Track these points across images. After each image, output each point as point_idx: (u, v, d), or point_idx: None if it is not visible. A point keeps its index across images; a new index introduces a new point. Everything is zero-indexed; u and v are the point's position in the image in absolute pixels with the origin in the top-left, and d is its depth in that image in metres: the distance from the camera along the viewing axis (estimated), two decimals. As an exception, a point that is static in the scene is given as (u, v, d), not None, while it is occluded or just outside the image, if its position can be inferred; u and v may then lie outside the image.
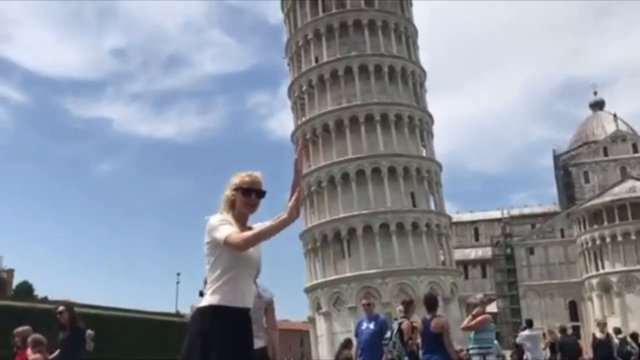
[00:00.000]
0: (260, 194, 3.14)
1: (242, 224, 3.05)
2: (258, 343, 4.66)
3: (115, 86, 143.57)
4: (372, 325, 8.74)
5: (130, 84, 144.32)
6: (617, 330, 14.56)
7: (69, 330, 6.65)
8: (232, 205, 3.10)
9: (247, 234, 2.93)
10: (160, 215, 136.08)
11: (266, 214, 3.25)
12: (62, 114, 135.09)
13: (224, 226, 2.95)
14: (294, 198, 2.87)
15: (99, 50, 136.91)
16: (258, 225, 3.03)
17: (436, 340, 6.84)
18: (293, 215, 2.85)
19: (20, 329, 7.17)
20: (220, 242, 2.92)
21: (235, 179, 3.15)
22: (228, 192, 3.13)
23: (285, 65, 52.94)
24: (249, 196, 3.09)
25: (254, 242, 2.93)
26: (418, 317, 7.92)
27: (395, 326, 8.56)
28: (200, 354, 2.87)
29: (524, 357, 13.31)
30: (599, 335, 11.88)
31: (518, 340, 13.79)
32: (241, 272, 3.00)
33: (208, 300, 2.96)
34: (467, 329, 7.50)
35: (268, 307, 5.04)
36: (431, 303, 7.23)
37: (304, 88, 48.58)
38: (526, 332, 12.91)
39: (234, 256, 2.96)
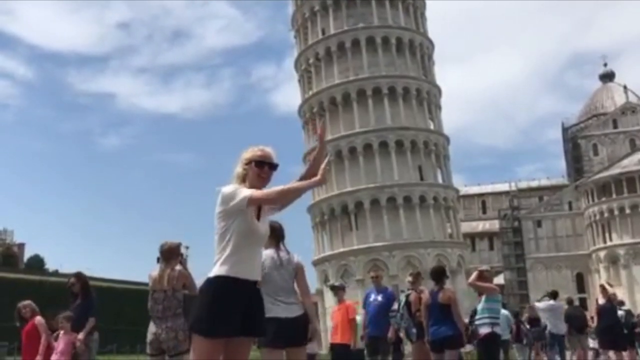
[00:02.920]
0: (273, 166, 3.18)
1: None
2: (295, 311, 4.59)
3: (121, 60, 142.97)
4: (379, 298, 8.83)
5: (135, 57, 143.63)
6: (621, 303, 14.49)
7: (82, 299, 6.76)
8: (243, 180, 3.12)
9: (277, 187, 2.97)
10: (167, 189, 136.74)
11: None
12: (67, 88, 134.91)
13: (241, 191, 2.98)
14: (324, 163, 2.96)
15: (103, 24, 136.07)
16: (274, 187, 3.03)
17: (443, 312, 6.89)
18: (325, 178, 2.92)
19: (26, 302, 7.40)
20: (239, 207, 2.94)
21: (247, 154, 3.18)
22: (239, 168, 3.15)
23: (292, 38, 52.57)
24: (261, 168, 3.12)
25: (284, 196, 2.96)
26: (426, 289, 7.98)
27: (402, 298, 8.64)
28: (209, 322, 2.91)
29: (547, 328, 13.22)
30: (600, 300, 11.86)
31: (538, 307, 13.57)
32: (250, 244, 3.03)
33: (216, 270, 2.99)
34: (473, 286, 7.55)
35: (298, 272, 4.81)
36: (439, 275, 7.26)
37: (310, 61, 48.23)
38: (550, 302, 12.78)
39: (245, 227, 2.99)
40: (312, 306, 4.99)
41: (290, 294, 4.68)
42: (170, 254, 5.54)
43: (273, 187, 3.02)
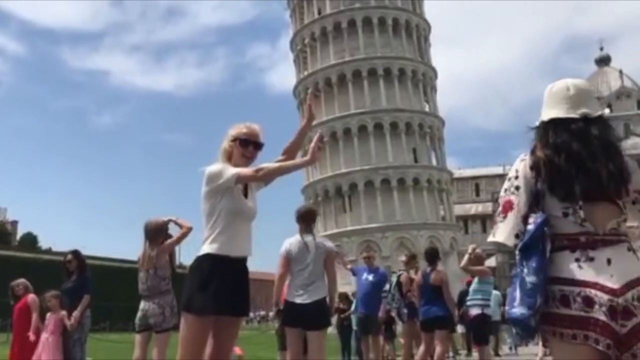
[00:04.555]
0: (258, 146, 3.12)
1: None
2: (316, 295, 4.70)
3: (114, 37, 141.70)
4: (371, 277, 8.88)
5: (129, 35, 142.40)
6: None
7: (77, 276, 6.77)
8: (229, 157, 3.08)
9: (265, 165, 2.95)
10: (161, 167, 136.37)
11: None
12: (60, 65, 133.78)
13: (228, 169, 2.96)
14: (314, 141, 2.87)
15: (97, 1, 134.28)
16: (263, 164, 3.01)
17: (435, 293, 6.94)
18: (315, 158, 2.88)
19: (20, 280, 7.48)
20: (227, 185, 2.92)
21: (233, 130, 3.12)
22: (225, 144, 3.11)
23: (287, 17, 52.12)
24: (246, 147, 3.08)
25: (272, 174, 2.95)
26: (419, 270, 8.04)
27: (394, 279, 8.70)
28: (198, 300, 2.90)
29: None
30: None
31: None
32: (239, 221, 3.01)
33: (205, 249, 2.98)
34: (466, 269, 7.59)
35: (328, 257, 4.88)
36: (432, 256, 7.31)
37: (306, 41, 47.90)
38: None
39: (233, 204, 2.97)
40: (336, 291, 5.13)
41: (314, 277, 4.76)
42: (156, 233, 5.50)
43: (262, 164, 2.98)
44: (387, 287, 8.78)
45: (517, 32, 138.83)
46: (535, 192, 1.91)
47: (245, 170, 2.95)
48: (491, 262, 56.52)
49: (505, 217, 1.93)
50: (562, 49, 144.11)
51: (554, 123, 1.96)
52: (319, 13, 47.46)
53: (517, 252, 1.86)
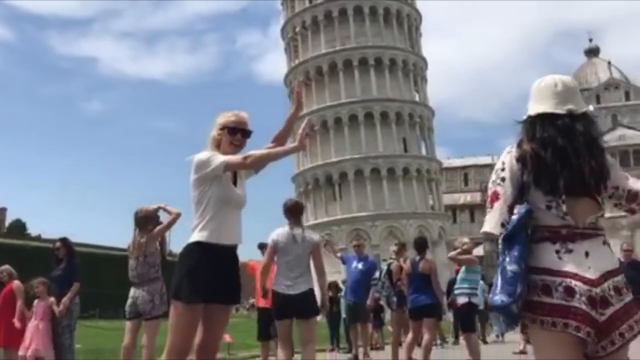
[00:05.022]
0: (246, 133, 3.13)
1: None
2: (303, 286, 4.83)
3: (103, 23, 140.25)
4: (360, 266, 8.96)
5: (119, 21, 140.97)
6: None
7: (66, 264, 6.77)
8: (217, 145, 3.08)
9: (253, 152, 2.95)
10: (151, 154, 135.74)
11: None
12: (48, 51, 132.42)
13: (217, 156, 2.96)
14: (302, 128, 2.88)
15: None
16: (251, 152, 3.01)
17: (424, 281, 7.01)
18: (303, 145, 2.89)
19: (4, 266, 7.49)
20: (216, 174, 2.92)
21: (221, 119, 3.13)
22: (214, 132, 3.11)
23: (279, 5, 51.82)
24: (234, 135, 3.08)
25: (261, 161, 2.97)
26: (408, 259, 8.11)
27: (384, 267, 8.77)
28: (188, 288, 2.91)
29: None
30: None
31: None
32: (228, 209, 3.01)
33: (195, 236, 2.98)
34: (453, 260, 7.68)
35: (314, 250, 5.00)
36: (421, 246, 7.37)
37: (297, 29, 47.70)
38: None
39: (221, 192, 2.98)
40: (325, 282, 5.26)
41: (300, 269, 4.88)
42: (145, 221, 5.51)
43: (250, 152, 2.98)
44: (377, 275, 8.86)
45: (508, 23, 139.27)
46: (521, 184, 1.96)
47: (234, 158, 2.95)
48: (479, 251, 56.90)
49: (491, 208, 1.99)
50: (553, 40, 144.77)
51: (541, 118, 2.01)
52: (310, 1, 47.26)
53: (500, 241, 1.92)
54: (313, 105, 45.77)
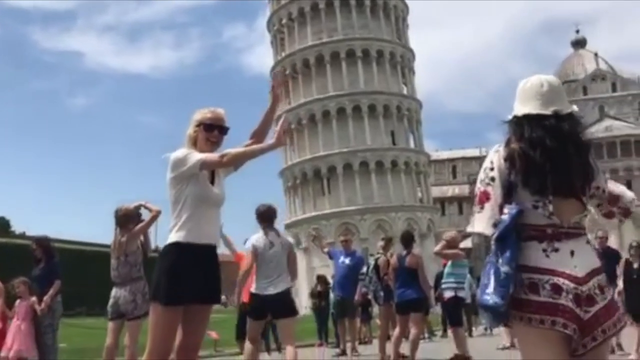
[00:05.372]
0: (223, 130, 3.07)
1: None
2: (282, 286, 5.11)
3: (87, 18, 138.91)
4: (347, 261, 8.92)
5: (102, 15, 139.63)
6: None
7: (44, 263, 6.68)
8: (194, 143, 3.02)
9: (230, 150, 2.89)
10: (137, 149, 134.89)
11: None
12: (31, 45, 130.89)
13: (193, 154, 2.89)
14: (280, 125, 2.82)
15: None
16: (228, 150, 2.96)
17: (410, 276, 6.99)
18: (281, 142, 2.83)
19: None
20: (192, 172, 2.86)
21: (197, 115, 3.06)
22: (190, 130, 3.04)
23: (265, -3, 51.52)
24: (211, 132, 3.01)
25: (238, 159, 2.91)
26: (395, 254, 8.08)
27: (371, 262, 8.74)
28: (167, 290, 2.87)
29: None
30: None
31: None
32: (205, 208, 2.95)
33: (173, 237, 2.93)
34: (439, 254, 7.66)
35: (290, 253, 5.28)
36: (407, 240, 7.36)
37: (283, 21, 47.49)
38: None
39: (199, 191, 2.92)
40: (295, 279, 5.46)
41: (279, 271, 5.16)
42: (126, 219, 5.42)
43: (227, 150, 2.93)
44: (364, 269, 8.84)
45: (495, 14, 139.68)
46: (509, 183, 1.98)
47: (211, 156, 2.89)
48: (467, 243, 57.25)
49: (482, 208, 2.00)
50: (539, 32, 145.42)
51: (528, 118, 2.02)
52: (297, -7, 47.03)
53: (492, 241, 1.93)
54: (300, 98, 45.69)
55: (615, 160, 58.42)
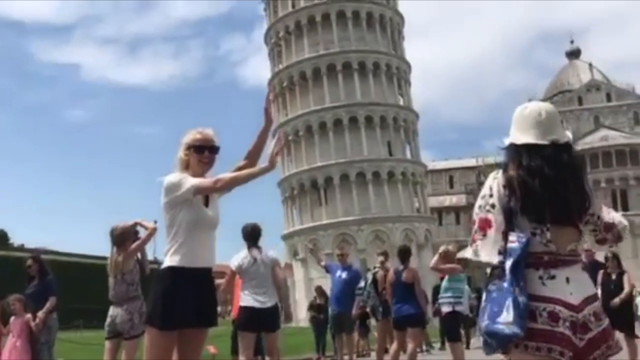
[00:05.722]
0: (214, 149, 3.08)
1: None
2: (270, 301, 5.42)
3: (85, 30, 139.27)
4: (344, 275, 8.93)
5: (101, 27, 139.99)
6: None
7: (38, 280, 6.67)
8: (187, 166, 3.03)
9: (223, 175, 2.91)
10: (135, 162, 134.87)
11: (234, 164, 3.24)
12: (29, 58, 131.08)
13: (187, 179, 2.91)
14: (275, 148, 2.85)
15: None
16: (221, 175, 2.99)
17: (407, 291, 7.01)
18: (274, 164, 2.86)
19: None
20: (186, 197, 2.87)
21: (186, 138, 3.08)
22: (181, 153, 3.06)
23: (262, 10, 51.78)
24: (202, 153, 3.03)
25: (231, 184, 2.92)
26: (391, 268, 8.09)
27: (369, 276, 8.75)
28: (162, 315, 2.88)
29: None
30: None
31: None
32: (200, 232, 2.97)
33: (168, 261, 2.94)
34: (435, 269, 7.66)
35: (274, 267, 5.58)
36: (404, 255, 7.39)
37: (280, 34, 47.68)
38: None
39: (193, 215, 2.93)
40: (287, 297, 5.81)
41: (265, 286, 5.44)
42: (122, 238, 5.42)
43: (220, 175, 2.95)
44: (362, 284, 8.84)
45: (490, 25, 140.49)
46: (508, 210, 1.98)
47: (204, 182, 2.91)
48: (466, 252, 57.19)
49: (484, 235, 2.00)
50: (535, 42, 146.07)
51: (527, 147, 2.04)
52: (293, 6, 47.24)
53: (508, 271, 1.92)
54: (297, 110, 45.78)
55: (611, 170, 58.53)
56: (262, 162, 3.03)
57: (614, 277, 7.81)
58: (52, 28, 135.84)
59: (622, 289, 7.65)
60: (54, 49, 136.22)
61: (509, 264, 1.90)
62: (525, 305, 1.86)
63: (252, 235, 5.60)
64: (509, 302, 1.88)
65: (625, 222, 2.13)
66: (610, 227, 2.09)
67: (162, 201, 2.97)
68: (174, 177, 2.96)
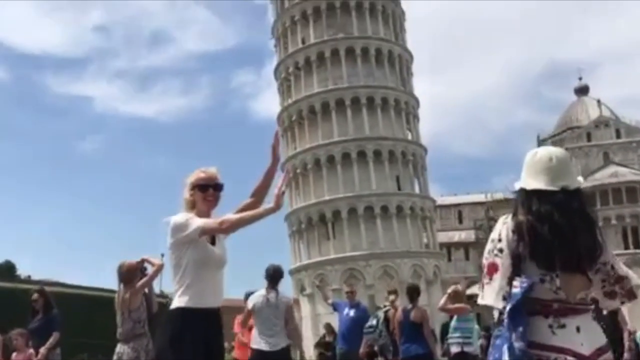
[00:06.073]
0: (218, 187, 3.11)
1: None
2: (280, 344, 5.47)
3: (98, 63, 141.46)
4: (352, 313, 8.84)
5: (113, 61, 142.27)
6: None
7: (43, 314, 6.65)
8: (192, 206, 3.06)
9: (229, 217, 2.93)
10: (144, 194, 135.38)
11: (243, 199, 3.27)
12: (43, 91, 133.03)
13: (193, 220, 2.93)
14: (280, 188, 2.86)
15: (81, 27, 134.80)
16: (227, 215, 3.02)
17: (416, 330, 6.94)
18: (279, 205, 2.85)
19: None
20: (192, 238, 2.89)
21: (190, 178, 3.11)
22: (186, 194, 3.09)
23: (272, 46, 52.60)
24: (206, 191, 3.06)
25: (236, 226, 2.92)
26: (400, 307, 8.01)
27: (381, 314, 8.66)
28: (172, 356, 2.87)
29: None
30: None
31: None
32: (208, 271, 2.97)
33: (177, 302, 2.95)
34: (444, 310, 7.58)
35: (287, 310, 5.65)
36: (413, 293, 7.32)
37: (290, 69, 48.29)
38: None
39: (200, 255, 2.94)
40: (300, 339, 6.04)
41: (277, 329, 5.51)
42: (130, 275, 5.42)
43: (226, 215, 2.97)
44: (373, 322, 8.75)
45: (497, 60, 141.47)
46: (517, 255, 1.97)
47: (209, 223, 2.92)
48: (474, 289, 56.53)
49: (491, 280, 2.00)
50: (542, 77, 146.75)
51: (537, 192, 2.03)
52: (303, 42, 47.96)
53: (505, 316, 1.92)
54: (306, 143, 46.04)
55: (622, 207, 58.07)
56: (269, 201, 3.04)
57: (604, 313, 7.36)
58: (67, 61, 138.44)
59: (615, 329, 7.20)
60: (68, 82, 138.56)
61: (507, 308, 1.90)
62: (522, 351, 1.83)
63: (273, 276, 5.76)
64: (504, 349, 1.87)
65: (637, 279, 2.07)
66: (619, 279, 2.04)
67: (169, 241, 2.99)
68: (180, 217, 2.98)
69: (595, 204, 57.94)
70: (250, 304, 5.66)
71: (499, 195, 69.22)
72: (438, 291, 42.86)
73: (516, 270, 1.96)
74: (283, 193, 2.88)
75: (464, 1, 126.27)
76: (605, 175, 59.45)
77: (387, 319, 8.35)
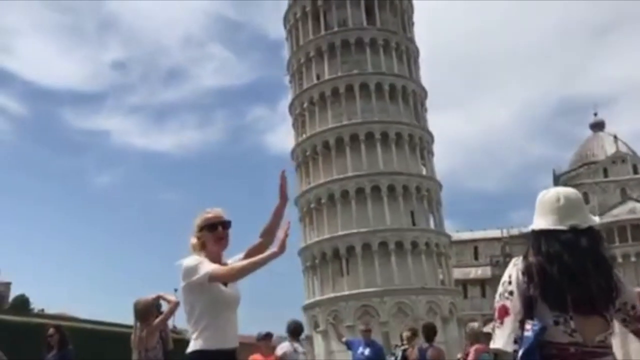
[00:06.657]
0: (226, 224, 3.12)
1: (218, 263, 3.01)
2: None
3: (115, 98, 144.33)
4: (367, 352, 8.69)
5: (130, 96, 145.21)
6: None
7: (57, 351, 6.62)
8: (202, 248, 3.06)
9: (236, 264, 2.92)
10: (159, 229, 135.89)
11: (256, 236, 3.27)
12: (61, 125, 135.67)
13: (203, 264, 2.91)
14: (284, 232, 2.84)
15: (99, 63, 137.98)
16: (234, 258, 3.04)
17: (432, 370, 6.80)
18: (284, 249, 2.83)
19: None
20: (201, 282, 2.88)
21: (197, 221, 3.13)
22: (194, 239, 3.10)
23: (287, 82, 53.28)
24: (215, 230, 3.07)
25: (243, 273, 2.90)
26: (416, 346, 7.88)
27: (399, 353, 8.52)
28: None
29: None
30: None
31: None
32: (221, 313, 2.96)
33: (193, 345, 2.93)
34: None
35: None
36: (429, 332, 7.20)
37: (305, 105, 48.75)
38: None
39: (212, 297, 2.93)
40: None
41: None
42: (145, 312, 5.38)
43: (234, 264, 2.97)
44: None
45: (512, 95, 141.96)
46: (528, 297, 1.93)
47: (218, 270, 2.90)
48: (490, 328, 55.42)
49: (502, 323, 1.96)
50: (557, 112, 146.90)
51: (545, 232, 2.01)
52: (318, 78, 48.50)
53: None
54: (320, 179, 46.11)
55: (641, 243, 57.07)
56: (274, 246, 3.03)
57: None
58: (85, 96, 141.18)
59: None
60: (86, 116, 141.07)
61: (520, 353, 1.85)
62: None
63: (294, 331, 6.92)
64: None
65: None
66: None
67: (181, 285, 2.99)
68: (191, 260, 2.97)
69: (614, 240, 57.09)
70: (280, 351, 6.61)
71: (515, 231, 68.61)
72: (454, 329, 42.12)
73: (528, 312, 1.92)
74: (287, 236, 2.86)
75: (479, 36, 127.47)
76: (623, 212, 58.71)
77: (405, 358, 8.21)
